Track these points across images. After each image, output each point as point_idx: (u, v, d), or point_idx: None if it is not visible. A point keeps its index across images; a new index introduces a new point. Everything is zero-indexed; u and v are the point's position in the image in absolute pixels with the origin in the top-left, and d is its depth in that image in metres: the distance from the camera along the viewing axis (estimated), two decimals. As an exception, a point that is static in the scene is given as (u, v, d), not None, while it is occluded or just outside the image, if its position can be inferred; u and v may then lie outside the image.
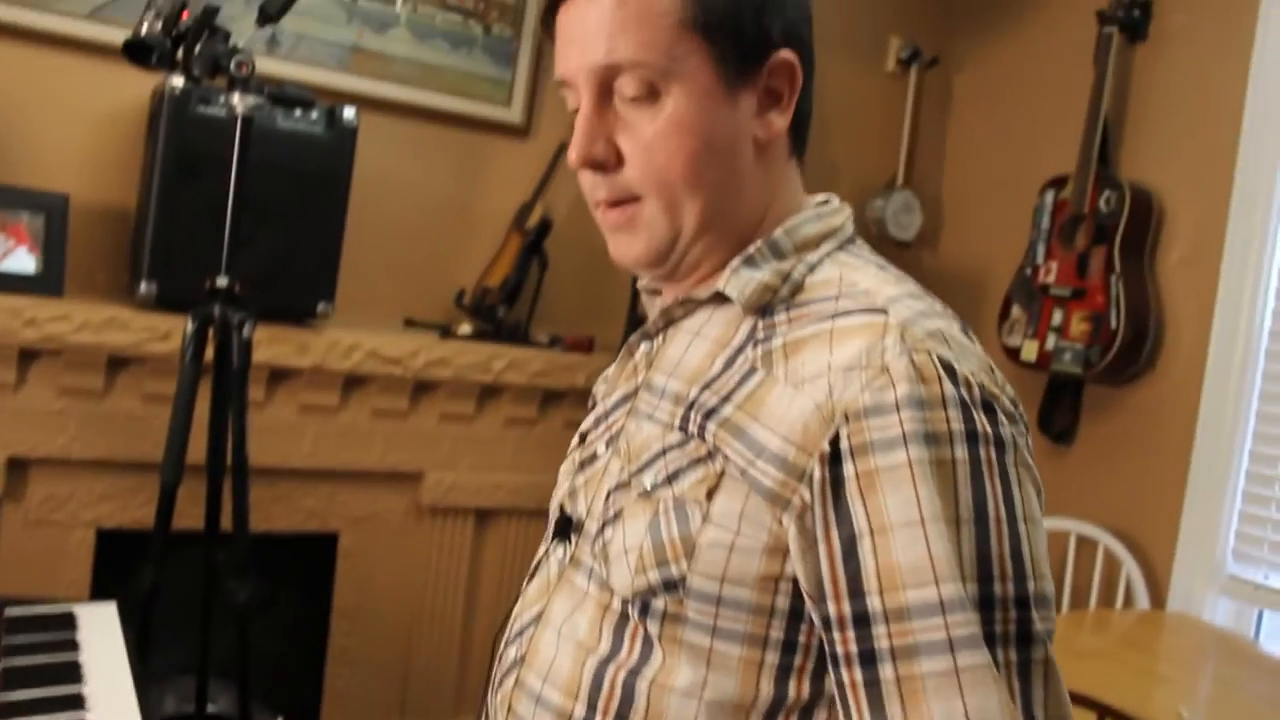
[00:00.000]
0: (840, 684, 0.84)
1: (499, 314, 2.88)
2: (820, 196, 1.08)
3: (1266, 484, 2.80)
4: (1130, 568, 2.95)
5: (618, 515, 0.95)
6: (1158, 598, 2.97)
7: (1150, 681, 2.28)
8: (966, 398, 0.84)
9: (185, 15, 1.86)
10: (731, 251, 1.00)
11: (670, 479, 0.92)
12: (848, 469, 0.83)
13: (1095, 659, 2.25)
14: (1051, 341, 3.04)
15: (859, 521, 0.82)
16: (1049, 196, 3.12)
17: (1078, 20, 3.20)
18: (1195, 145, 2.97)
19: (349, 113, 2.53)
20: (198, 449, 2.13)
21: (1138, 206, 2.93)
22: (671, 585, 0.89)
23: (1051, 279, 3.06)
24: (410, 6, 2.85)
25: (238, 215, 2.03)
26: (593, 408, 1.18)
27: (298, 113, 2.45)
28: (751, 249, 0.99)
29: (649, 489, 0.93)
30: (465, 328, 2.87)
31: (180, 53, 1.90)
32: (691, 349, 0.99)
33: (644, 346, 1.06)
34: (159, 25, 1.85)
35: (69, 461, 2.50)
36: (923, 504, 0.81)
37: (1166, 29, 3.04)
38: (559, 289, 3.04)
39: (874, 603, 0.81)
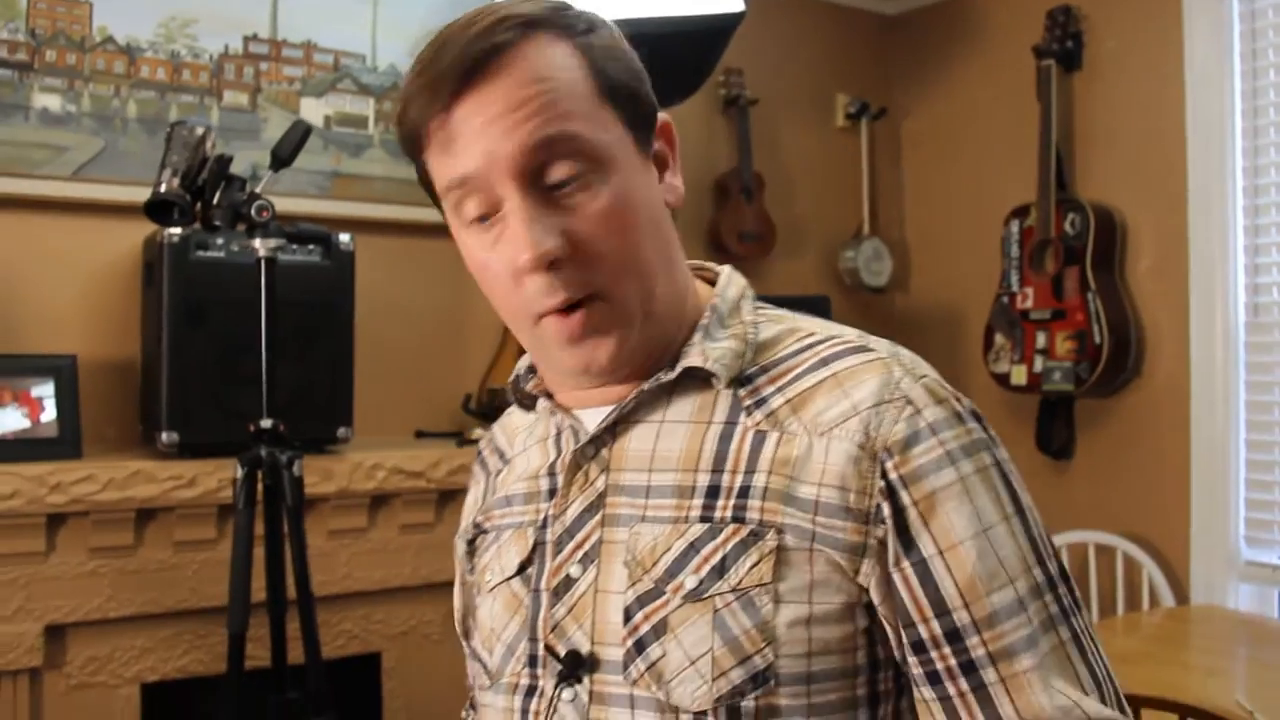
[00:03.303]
0: (943, 698, 0.85)
1: (509, 413, 2.91)
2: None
3: (1267, 469, 2.91)
4: (1150, 569, 3.04)
5: (661, 628, 0.87)
6: (1180, 594, 3.05)
7: (1196, 675, 2.35)
8: (968, 409, 0.90)
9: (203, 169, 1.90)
10: (667, 333, 0.94)
11: (719, 573, 0.86)
12: (904, 497, 0.85)
13: (1136, 662, 2.31)
14: (1039, 364, 3.14)
15: (926, 545, 0.85)
16: (1015, 226, 3.25)
17: (1013, 56, 3.36)
18: (1146, 159, 3.11)
19: (345, 238, 2.57)
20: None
21: (1102, 225, 3.07)
22: (760, 678, 0.85)
23: (1030, 304, 3.18)
24: (382, 127, 2.92)
25: (272, 356, 2.05)
26: (475, 539, 1.08)
27: (292, 246, 2.49)
28: (705, 320, 0.95)
29: (695, 589, 0.87)
30: (479, 431, 2.89)
31: (199, 205, 1.93)
32: (664, 438, 0.93)
33: (589, 452, 0.96)
34: (177, 181, 1.89)
35: (106, 620, 2.47)
36: (980, 514, 0.85)
37: (1100, 56, 3.20)
38: (559, 380, 3.09)
39: (962, 617, 0.84)
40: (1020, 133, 3.29)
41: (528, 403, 1.05)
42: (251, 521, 2.02)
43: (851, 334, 0.94)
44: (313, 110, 2.82)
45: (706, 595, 0.86)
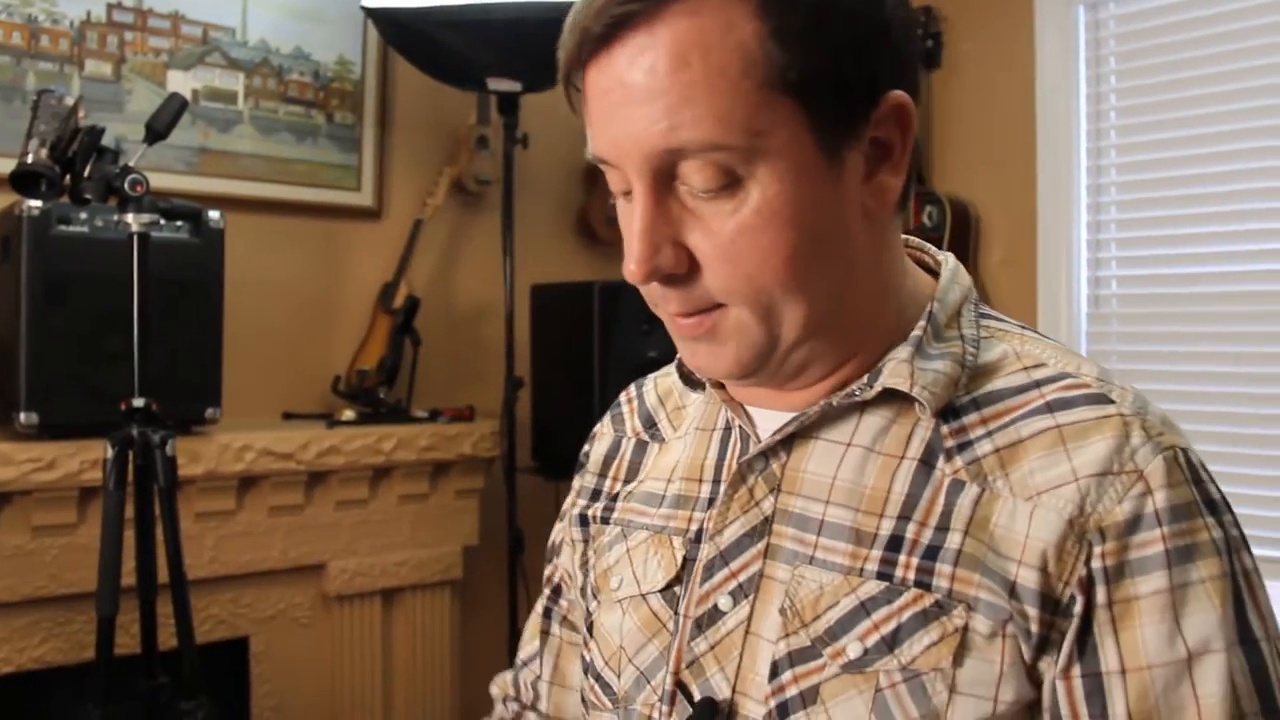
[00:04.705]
0: None
1: (380, 395, 2.90)
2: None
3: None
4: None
5: (810, 696, 0.75)
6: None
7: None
8: (1214, 498, 0.74)
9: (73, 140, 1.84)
10: (848, 347, 0.81)
11: (889, 644, 0.74)
12: (1099, 594, 0.71)
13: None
14: (898, 349, 3.27)
15: (1107, 658, 0.71)
16: (875, 217, 3.37)
17: (875, 53, 3.47)
18: (999, 155, 3.27)
19: (214, 215, 2.52)
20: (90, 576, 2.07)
21: (958, 217, 3.21)
22: None
23: (889, 292, 3.30)
24: (252, 103, 2.86)
25: (144, 334, 2.01)
26: (589, 523, 0.98)
27: (162, 221, 2.43)
28: (919, 331, 0.80)
29: (858, 659, 0.75)
30: (348, 413, 2.87)
31: (68, 178, 1.87)
32: (848, 465, 0.80)
33: (758, 465, 0.84)
34: (45, 152, 1.82)
35: (-45, 610, 2.38)
36: (1187, 636, 0.70)
37: (958, 55, 3.34)
38: (429, 364, 3.08)
39: None
40: (881, 127, 3.40)
41: (694, 382, 0.92)
42: (123, 503, 1.97)
43: (1090, 373, 0.79)
44: (180, 83, 2.74)
45: (870, 669, 0.74)
